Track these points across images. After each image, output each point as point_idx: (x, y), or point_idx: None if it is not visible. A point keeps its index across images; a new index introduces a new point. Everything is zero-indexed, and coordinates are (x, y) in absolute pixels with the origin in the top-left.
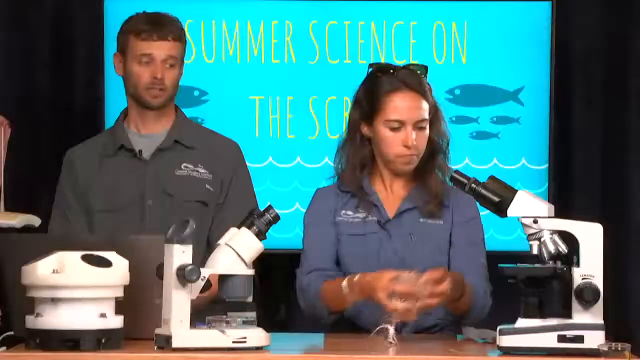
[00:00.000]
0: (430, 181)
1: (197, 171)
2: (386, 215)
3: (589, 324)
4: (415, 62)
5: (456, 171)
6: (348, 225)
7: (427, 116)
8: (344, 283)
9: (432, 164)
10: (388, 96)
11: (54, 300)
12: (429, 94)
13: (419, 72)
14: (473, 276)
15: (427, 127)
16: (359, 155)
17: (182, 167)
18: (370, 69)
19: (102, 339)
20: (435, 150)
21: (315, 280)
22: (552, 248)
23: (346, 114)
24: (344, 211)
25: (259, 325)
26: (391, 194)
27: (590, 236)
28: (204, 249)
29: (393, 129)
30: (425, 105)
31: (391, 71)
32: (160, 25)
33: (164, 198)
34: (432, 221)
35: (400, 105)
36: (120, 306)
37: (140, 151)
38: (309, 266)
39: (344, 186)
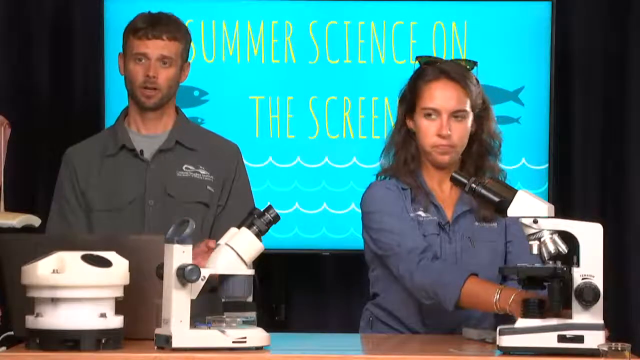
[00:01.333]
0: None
1: (199, 172)
2: (446, 217)
3: (589, 324)
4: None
5: (456, 171)
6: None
7: (466, 107)
8: (497, 296)
9: (482, 165)
10: (427, 84)
11: (54, 300)
12: (471, 86)
13: (464, 64)
14: None
15: (468, 119)
16: (405, 150)
17: (184, 169)
18: (418, 63)
19: (102, 339)
20: (485, 151)
21: (428, 265)
22: (552, 248)
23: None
24: (408, 209)
25: (259, 325)
26: (441, 193)
27: (590, 236)
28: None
29: (428, 118)
30: (464, 96)
31: (435, 62)
32: (156, 24)
33: (165, 199)
34: (487, 225)
35: (436, 93)
36: (120, 306)
37: (141, 151)
38: (407, 250)
39: (402, 182)
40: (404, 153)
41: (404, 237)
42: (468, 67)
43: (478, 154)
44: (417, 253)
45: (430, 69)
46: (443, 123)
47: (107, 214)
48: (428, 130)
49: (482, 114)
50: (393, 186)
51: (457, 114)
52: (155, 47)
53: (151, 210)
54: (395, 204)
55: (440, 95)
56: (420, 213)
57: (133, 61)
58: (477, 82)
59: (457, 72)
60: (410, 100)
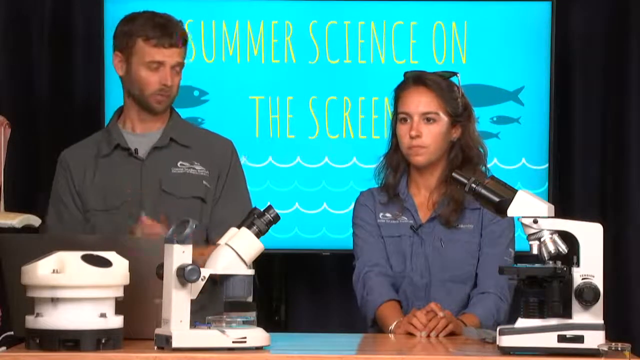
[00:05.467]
0: (450, 187)
1: (194, 168)
2: (419, 220)
3: (589, 324)
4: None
5: (456, 171)
6: (386, 227)
7: (436, 110)
8: (392, 327)
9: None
10: (401, 92)
11: (54, 300)
12: (445, 92)
13: (441, 74)
14: (490, 286)
15: (440, 122)
16: (391, 159)
17: (178, 165)
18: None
19: (102, 339)
20: (468, 158)
21: (369, 277)
22: (552, 248)
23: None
24: (382, 214)
25: (259, 325)
26: (420, 197)
27: (590, 236)
28: (203, 245)
29: (403, 122)
30: (434, 100)
31: (414, 73)
32: (171, 32)
33: (162, 195)
34: (463, 225)
35: (407, 98)
36: (120, 306)
37: (135, 150)
38: (362, 262)
39: (383, 189)
40: (388, 163)
41: (362, 250)
42: (445, 76)
43: (462, 160)
44: (367, 265)
45: (405, 78)
46: (414, 125)
47: (105, 213)
48: (402, 134)
49: (463, 122)
50: (370, 196)
51: (427, 116)
52: (172, 56)
53: (148, 208)
54: (365, 221)
55: (411, 99)
56: (393, 217)
57: (146, 68)
58: (458, 89)
59: (429, 79)
60: (393, 111)
